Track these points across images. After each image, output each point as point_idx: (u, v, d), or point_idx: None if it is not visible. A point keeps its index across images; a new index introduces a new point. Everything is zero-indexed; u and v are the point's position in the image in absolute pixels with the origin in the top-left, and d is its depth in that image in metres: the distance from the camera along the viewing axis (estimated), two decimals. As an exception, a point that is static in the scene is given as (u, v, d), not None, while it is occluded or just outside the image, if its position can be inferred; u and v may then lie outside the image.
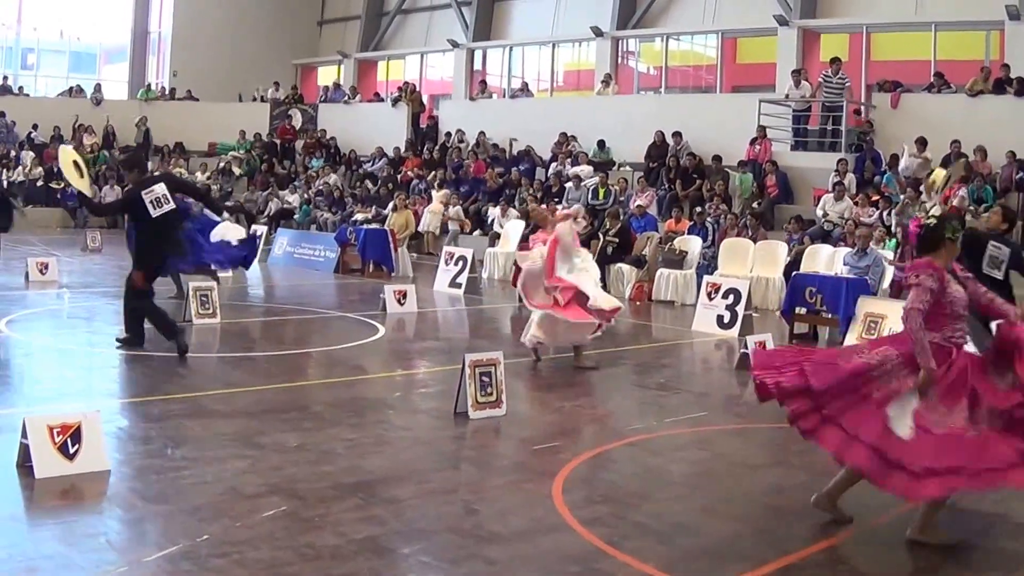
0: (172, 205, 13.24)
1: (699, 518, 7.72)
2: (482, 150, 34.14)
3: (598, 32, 34.61)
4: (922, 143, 24.38)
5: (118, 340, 13.61)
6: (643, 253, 22.49)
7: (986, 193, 22.57)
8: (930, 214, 8.56)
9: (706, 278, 18.64)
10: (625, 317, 19.44)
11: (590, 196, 27.41)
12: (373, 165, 36.49)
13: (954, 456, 6.93)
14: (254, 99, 42.54)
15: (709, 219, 23.93)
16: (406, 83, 40.22)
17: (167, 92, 43.03)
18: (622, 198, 27.03)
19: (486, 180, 31.62)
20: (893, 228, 20.83)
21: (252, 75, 42.77)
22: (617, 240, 22.74)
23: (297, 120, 41.30)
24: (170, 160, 38.65)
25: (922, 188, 18.83)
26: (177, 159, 39.32)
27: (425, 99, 39.78)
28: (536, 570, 6.66)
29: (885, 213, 22.13)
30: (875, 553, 7.19)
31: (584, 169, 29.00)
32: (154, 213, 13.01)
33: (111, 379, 12.51)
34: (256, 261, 21.34)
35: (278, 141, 40.05)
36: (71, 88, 43.19)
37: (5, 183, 35.73)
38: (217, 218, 17.75)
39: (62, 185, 34.33)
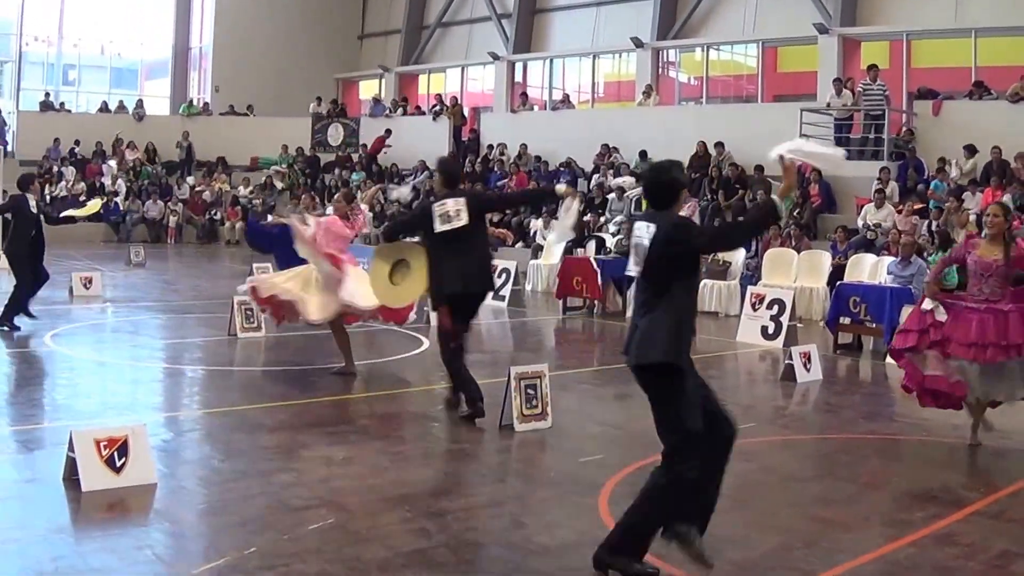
0: (463, 222, 11.12)
1: (746, 530, 7.67)
2: (524, 162, 34.14)
3: (638, 43, 34.57)
4: (971, 151, 24.26)
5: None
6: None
7: (1029, 200, 22.43)
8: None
9: (750, 288, 18.57)
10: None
11: (633, 207, 27.34)
12: (415, 178, 36.51)
13: None
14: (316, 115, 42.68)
15: (752, 229, 23.78)
16: (439, 96, 40.27)
17: (207, 107, 43.27)
18: (665, 209, 26.93)
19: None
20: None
21: (293, 90, 42.92)
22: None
23: (338, 134, 41.40)
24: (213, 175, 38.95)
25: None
26: (220, 173, 39.55)
27: (466, 112, 39.77)
28: (584, 583, 6.64)
29: (934, 222, 22.02)
30: (925, 564, 7.12)
31: (627, 180, 28.94)
32: (438, 228, 11.12)
33: (156, 393, 12.57)
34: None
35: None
36: (108, 103, 43.44)
37: (48, 197, 36.01)
38: None
39: (105, 200, 34.49)
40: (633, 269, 6.81)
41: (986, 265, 10.04)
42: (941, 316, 10.13)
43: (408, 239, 12.00)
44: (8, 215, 16.86)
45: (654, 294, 6.65)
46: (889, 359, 12.21)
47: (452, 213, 11.06)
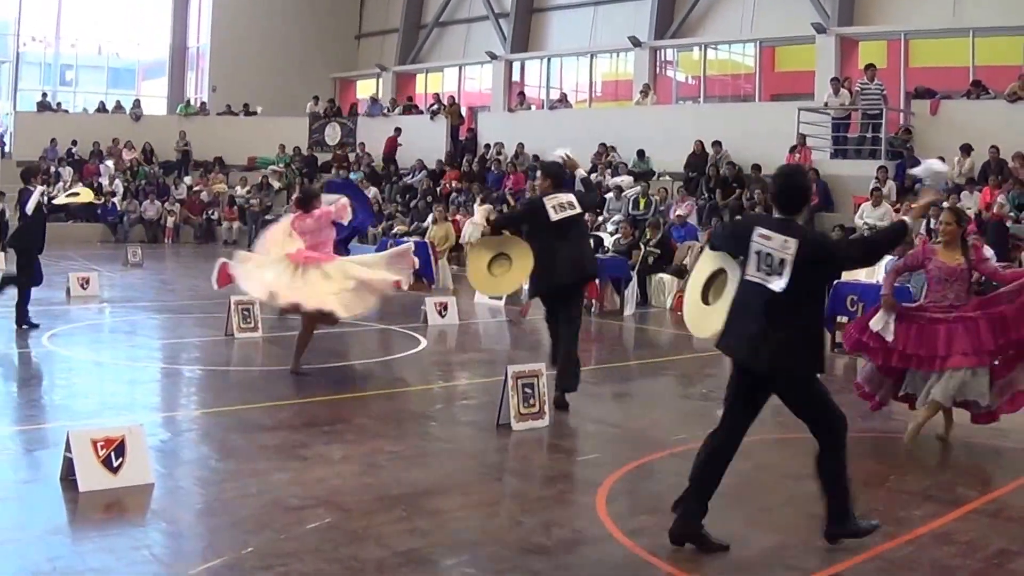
0: (577, 210, 11.93)
1: (744, 528, 7.67)
2: (521, 162, 34.14)
3: (636, 42, 34.55)
4: (966, 150, 24.29)
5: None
6: (684, 263, 22.42)
7: (1026, 199, 22.45)
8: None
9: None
10: (667, 327, 19.43)
11: (631, 206, 27.33)
12: (413, 178, 36.53)
13: None
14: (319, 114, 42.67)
15: (750, 228, 23.81)
16: (437, 96, 40.32)
17: (205, 107, 43.27)
18: (662, 208, 26.95)
19: (525, 192, 31.59)
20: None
21: (291, 89, 42.90)
22: (658, 251, 22.69)
23: (335, 134, 41.39)
24: (210, 174, 38.96)
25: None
26: (217, 173, 39.54)
27: (464, 111, 39.76)
28: (581, 581, 6.65)
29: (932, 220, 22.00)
30: (922, 562, 7.12)
31: (625, 179, 28.87)
32: (554, 217, 11.67)
33: (153, 393, 12.56)
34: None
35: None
36: (105, 103, 43.41)
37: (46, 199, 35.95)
38: None
39: (102, 200, 34.48)
40: (755, 276, 6.90)
41: (951, 271, 10.05)
42: (889, 336, 10.14)
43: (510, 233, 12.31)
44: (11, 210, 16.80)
45: (791, 305, 6.78)
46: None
47: (565, 204, 11.73)
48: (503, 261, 11.99)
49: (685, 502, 7.13)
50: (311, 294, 12.61)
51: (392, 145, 38.19)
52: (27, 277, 16.14)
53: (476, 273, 12.38)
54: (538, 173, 13.30)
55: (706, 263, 8.10)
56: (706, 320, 8.01)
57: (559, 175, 12.33)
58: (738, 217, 9.83)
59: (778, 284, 6.77)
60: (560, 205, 11.72)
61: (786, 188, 7.07)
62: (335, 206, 13.43)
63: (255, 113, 42.28)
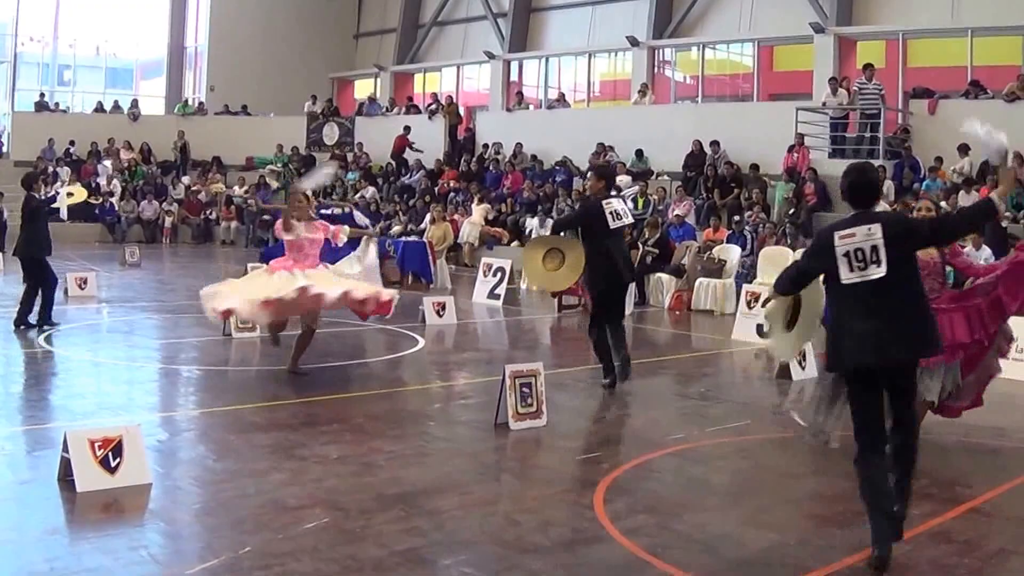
0: (630, 220, 13.42)
1: (741, 528, 7.67)
2: (519, 161, 34.15)
3: (634, 42, 34.55)
4: (964, 150, 24.30)
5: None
6: (682, 262, 22.44)
7: (1024, 199, 22.47)
8: None
9: (745, 287, 18.59)
10: (665, 326, 19.44)
11: (630, 205, 27.31)
12: (411, 177, 36.52)
13: None
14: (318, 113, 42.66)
15: (747, 227, 23.89)
16: (435, 95, 40.35)
17: (203, 106, 43.27)
18: (660, 207, 26.96)
19: (523, 191, 31.64)
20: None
21: (288, 89, 42.88)
22: (656, 250, 22.70)
23: (333, 133, 41.39)
24: (208, 174, 38.95)
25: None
26: (215, 173, 39.52)
27: (462, 111, 39.74)
28: (579, 581, 6.64)
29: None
30: (919, 561, 7.12)
31: (624, 179, 28.88)
32: (612, 225, 12.65)
33: (151, 393, 12.55)
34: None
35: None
36: (103, 103, 43.40)
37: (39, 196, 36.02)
38: None
39: (100, 200, 34.45)
40: (852, 277, 6.85)
41: (925, 264, 9.86)
42: None
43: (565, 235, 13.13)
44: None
45: (895, 290, 6.81)
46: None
47: (620, 212, 12.73)
48: (555, 256, 12.75)
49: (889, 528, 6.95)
50: (324, 286, 12.58)
51: (402, 144, 38.06)
52: (37, 281, 16.21)
53: (532, 268, 13.17)
54: (590, 174, 14.42)
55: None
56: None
57: (612, 177, 13.63)
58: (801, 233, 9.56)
59: (878, 271, 6.78)
60: (615, 213, 12.64)
61: (855, 184, 7.11)
62: (333, 229, 13.31)
63: (260, 113, 42.40)
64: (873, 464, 6.90)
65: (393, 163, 38.03)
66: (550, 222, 27.66)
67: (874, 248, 6.77)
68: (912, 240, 6.98)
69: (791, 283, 7.50)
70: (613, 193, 13.66)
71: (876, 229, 6.79)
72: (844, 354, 6.96)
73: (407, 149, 37.86)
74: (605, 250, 12.56)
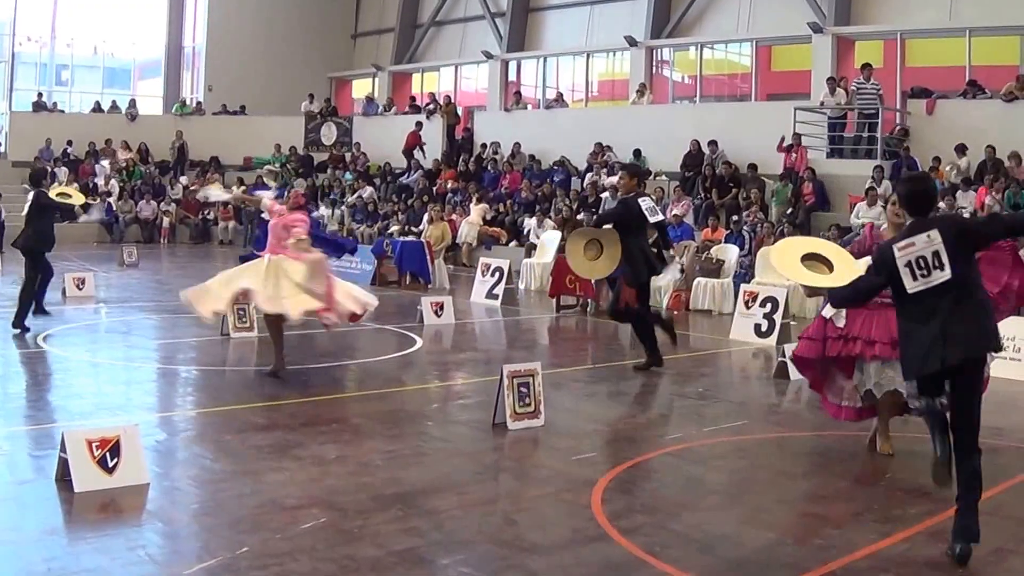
0: (661, 217, 15.05)
1: (739, 527, 7.68)
2: (517, 161, 34.15)
3: (632, 42, 34.57)
4: (961, 150, 24.32)
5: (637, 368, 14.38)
6: (680, 262, 22.43)
7: (1023, 198, 22.45)
8: None
9: (743, 287, 18.59)
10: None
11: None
12: (408, 177, 36.52)
13: None
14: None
15: (745, 227, 23.89)
16: (432, 95, 40.40)
17: (201, 106, 43.25)
18: (658, 207, 26.94)
19: (521, 191, 31.65)
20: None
21: (286, 89, 42.88)
22: (654, 249, 22.67)
23: (331, 133, 41.40)
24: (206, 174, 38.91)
25: None
26: (213, 173, 39.49)
27: (460, 111, 39.73)
28: (577, 580, 6.64)
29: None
30: (918, 560, 7.12)
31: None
32: (652, 219, 14.29)
33: (149, 393, 12.55)
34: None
35: (318, 156, 39.85)
36: (101, 103, 43.37)
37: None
38: None
39: (97, 201, 34.48)
40: (917, 286, 6.96)
41: None
42: (840, 322, 9.90)
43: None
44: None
45: (966, 291, 6.92)
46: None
47: (653, 208, 14.37)
48: (593, 247, 13.98)
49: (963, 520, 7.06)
50: (290, 303, 12.46)
51: (414, 140, 37.98)
52: (37, 274, 16.44)
53: (575, 257, 14.10)
54: (621, 172, 15.16)
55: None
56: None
57: (644, 176, 15.19)
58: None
59: (943, 275, 6.89)
60: (651, 209, 14.28)
61: (914, 193, 7.28)
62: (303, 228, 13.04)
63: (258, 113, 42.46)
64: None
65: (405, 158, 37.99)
66: (548, 222, 27.85)
67: (935, 253, 6.90)
68: (968, 239, 7.06)
69: (854, 296, 7.82)
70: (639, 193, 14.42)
71: (935, 235, 6.91)
72: (912, 362, 7.12)
73: (418, 147, 37.85)
74: (643, 245, 14.18)
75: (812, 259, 8.12)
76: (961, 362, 6.92)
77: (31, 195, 16.71)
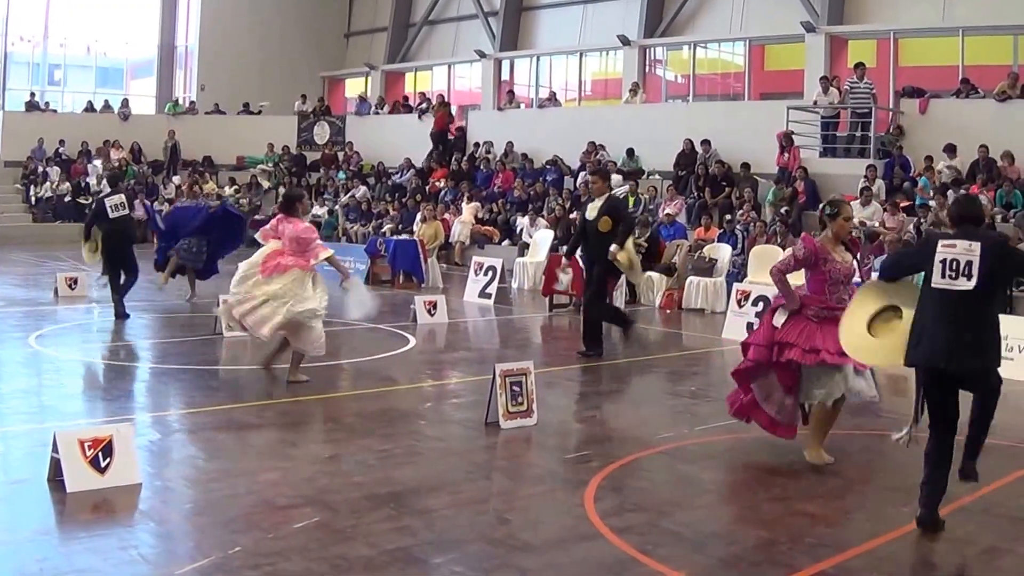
0: None
1: (732, 525, 7.70)
2: (510, 160, 34.15)
3: (625, 41, 34.57)
4: (951, 150, 24.35)
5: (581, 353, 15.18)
6: (673, 261, 22.44)
7: (1015, 198, 22.51)
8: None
9: (736, 285, 18.60)
10: (656, 325, 19.44)
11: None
12: (401, 176, 36.52)
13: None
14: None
15: (738, 226, 23.90)
16: (422, 94, 40.40)
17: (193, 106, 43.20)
18: (651, 206, 26.98)
19: (514, 190, 31.65)
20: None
21: (279, 88, 42.81)
22: (646, 244, 22.70)
23: (324, 133, 41.37)
24: (199, 173, 38.85)
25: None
26: (205, 172, 39.43)
27: (453, 110, 39.67)
28: (569, 579, 6.64)
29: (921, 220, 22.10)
30: (910, 559, 7.13)
31: (614, 178, 28.95)
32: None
33: (141, 393, 12.53)
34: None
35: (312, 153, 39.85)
36: (93, 103, 43.31)
37: (33, 199, 36.06)
38: None
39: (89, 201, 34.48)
40: (941, 283, 7.30)
41: (847, 272, 9.60)
42: (779, 321, 9.72)
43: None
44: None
45: (982, 305, 7.28)
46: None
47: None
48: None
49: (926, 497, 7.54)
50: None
51: (443, 121, 37.87)
52: (119, 272, 17.86)
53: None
54: (593, 176, 15.84)
55: (871, 297, 8.05)
56: (876, 350, 7.82)
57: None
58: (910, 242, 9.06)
59: (966, 284, 7.21)
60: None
61: (964, 215, 7.57)
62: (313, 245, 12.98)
63: (259, 112, 42.44)
64: (939, 441, 7.57)
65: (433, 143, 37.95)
66: (541, 221, 27.85)
67: (969, 263, 7.21)
68: (1008, 264, 7.43)
69: (893, 267, 8.21)
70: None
71: (976, 247, 7.22)
72: (920, 353, 7.42)
73: (448, 128, 37.94)
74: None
75: (880, 315, 7.82)
76: (963, 373, 7.29)
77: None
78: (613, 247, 14.54)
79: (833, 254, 9.50)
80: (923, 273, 7.48)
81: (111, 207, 17.72)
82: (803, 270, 9.64)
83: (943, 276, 7.29)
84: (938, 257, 7.31)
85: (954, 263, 7.24)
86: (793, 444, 9.80)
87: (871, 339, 7.93)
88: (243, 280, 12.56)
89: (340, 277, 13.06)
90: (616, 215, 14.82)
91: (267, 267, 12.48)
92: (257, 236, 13.31)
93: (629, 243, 15.16)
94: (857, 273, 9.82)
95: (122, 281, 17.90)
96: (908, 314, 7.71)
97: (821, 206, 10.18)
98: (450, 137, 37.86)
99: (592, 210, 14.84)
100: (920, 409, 7.55)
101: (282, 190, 36.79)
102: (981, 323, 7.27)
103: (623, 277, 17.87)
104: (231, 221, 20.92)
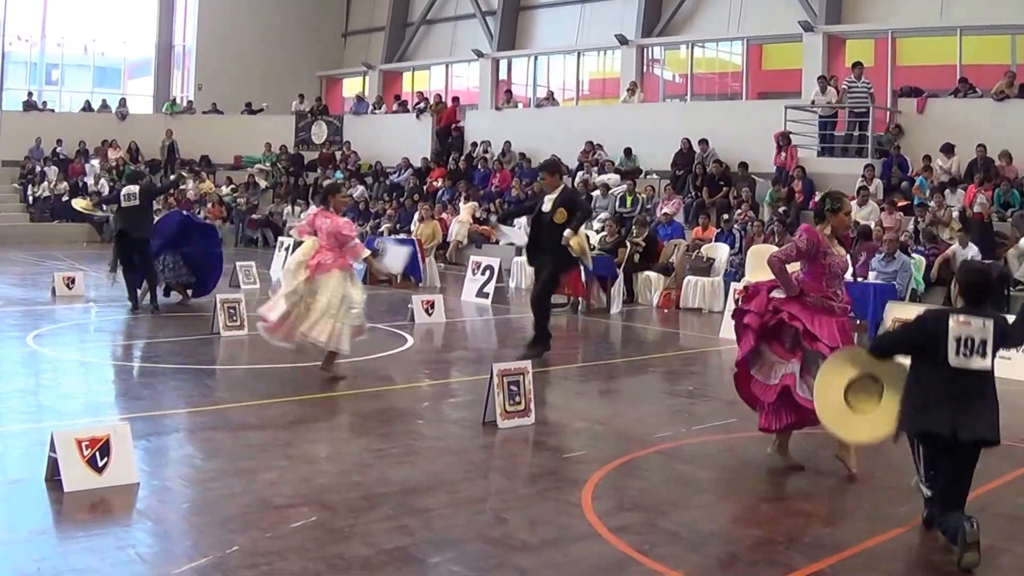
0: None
1: (729, 525, 7.70)
2: (508, 160, 34.15)
3: (623, 40, 34.57)
4: (949, 149, 24.36)
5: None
6: (670, 261, 22.46)
7: (1013, 198, 22.53)
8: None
9: (733, 285, 18.58)
10: (653, 324, 19.44)
11: (618, 204, 27.39)
12: (399, 176, 36.51)
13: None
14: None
15: (736, 226, 23.91)
16: (420, 93, 40.41)
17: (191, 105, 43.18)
18: (649, 206, 26.99)
19: (512, 190, 31.63)
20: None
21: (277, 87, 42.81)
22: (644, 243, 22.71)
23: (322, 132, 41.36)
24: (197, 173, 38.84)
25: None
26: (202, 171, 39.41)
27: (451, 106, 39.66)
28: (566, 578, 6.64)
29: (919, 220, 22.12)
30: (907, 558, 7.13)
31: (611, 177, 28.99)
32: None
33: (139, 392, 12.50)
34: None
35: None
36: (91, 102, 43.32)
37: (31, 198, 36.02)
38: None
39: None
40: (957, 361, 7.20)
41: (844, 266, 9.60)
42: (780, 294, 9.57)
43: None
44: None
45: (986, 380, 7.30)
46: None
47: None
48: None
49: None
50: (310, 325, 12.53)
51: (452, 114, 37.96)
52: (131, 265, 18.78)
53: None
54: (543, 173, 15.75)
55: (847, 365, 7.98)
56: (855, 425, 7.72)
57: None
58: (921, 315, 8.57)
59: (982, 363, 7.21)
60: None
61: (974, 284, 7.53)
62: (352, 243, 13.07)
63: (260, 111, 42.45)
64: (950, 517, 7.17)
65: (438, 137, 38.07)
66: (526, 220, 27.83)
67: (983, 342, 7.20)
68: (1005, 340, 7.42)
69: (891, 347, 7.98)
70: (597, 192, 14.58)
71: (990, 325, 7.22)
72: (917, 421, 7.38)
73: (453, 123, 37.99)
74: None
75: (858, 383, 7.72)
76: (973, 441, 7.26)
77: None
78: (567, 232, 14.45)
79: (833, 248, 9.43)
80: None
81: (124, 196, 18.74)
82: (799, 263, 9.45)
83: (958, 354, 7.20)
84: (952, 334, 7.21)
85: (970, 341, 7.20)
86: (793, 444, 9.80)
87: (851, 414, 7.94)
88: (292, 276, 12.62)
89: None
90: (572, 206, 14.85)
91: (311, 266, 12.59)
92: (293, 233, 13.59)
93: (581, 230, 15.13)
94: (850, 268, 9.83)
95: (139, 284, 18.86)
96: (890, 384, 7.75)
97: (820, 197, 10.02)
98: (449, 136, 37.82)
99: (548, 203, 14.86)
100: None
101: (281, 189, 37.12)
102: (987, 397, 7.29)
103: (619, 280, 17.87)
104: (204, 230, 21.89)
